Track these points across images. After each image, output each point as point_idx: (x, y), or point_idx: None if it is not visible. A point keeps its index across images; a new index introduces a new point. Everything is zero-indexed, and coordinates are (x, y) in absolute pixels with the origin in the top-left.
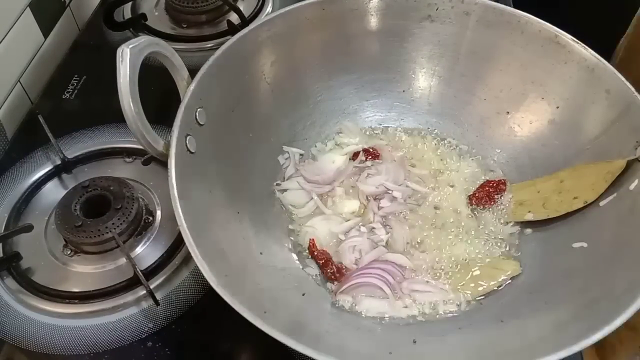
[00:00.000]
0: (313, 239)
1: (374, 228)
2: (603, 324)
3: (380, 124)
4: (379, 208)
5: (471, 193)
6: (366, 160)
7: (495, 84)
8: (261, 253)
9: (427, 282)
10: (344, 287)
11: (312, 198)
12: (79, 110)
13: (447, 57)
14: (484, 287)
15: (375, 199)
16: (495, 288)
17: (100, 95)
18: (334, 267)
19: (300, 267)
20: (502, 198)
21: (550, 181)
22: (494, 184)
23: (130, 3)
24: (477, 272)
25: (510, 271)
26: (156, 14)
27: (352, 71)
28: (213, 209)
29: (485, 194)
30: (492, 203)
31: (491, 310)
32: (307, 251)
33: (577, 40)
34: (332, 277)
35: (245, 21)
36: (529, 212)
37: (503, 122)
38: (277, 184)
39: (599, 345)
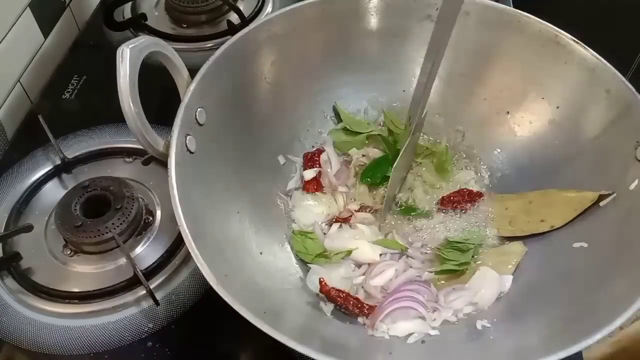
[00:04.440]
0: (322, 280)
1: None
2: (603, 324)
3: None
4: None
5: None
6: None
7: (495, 84)
8: (261, 253)
9: (453, 288)
10: (380, 317)
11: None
12: (79, 110)
13: (447, 57)
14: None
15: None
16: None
17: (100, 95)
18: (356, 301)
19: (300, 273)
20: (476, 207)
21: (518, 200)
22: (470, 194)
23: (130, 3)
24: (490, 265)
25: (519, 251)
26: (156, 13)
27: (352, 71)
28: (213, 209)
29: (456, 199)
30: (458, 208)
31: (491, 310)
32: (320, 294)
33: (577, 40)
34: (359, 312)
35: (245, 21)
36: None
37: (503, 122)
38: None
39: None
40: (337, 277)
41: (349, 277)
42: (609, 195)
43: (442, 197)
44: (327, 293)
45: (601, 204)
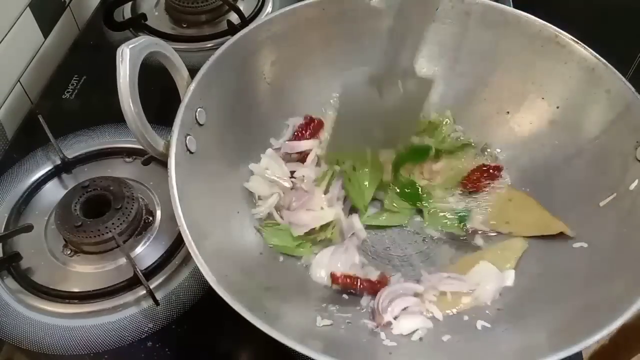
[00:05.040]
0: (332, 273)
1: None
2: (603, 324)
3: None
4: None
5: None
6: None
7: (495, 84)
8: (261, 253)
9: (449, 276)
10: (385, 317)
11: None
12: (79, 110)
13: (447, 57)
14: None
15: None
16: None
17: (100, 95)
18: (367, 283)
19: (301, 273)
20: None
21: (503, 193)
22: (488, 169)
23: (130, 3)
24: (489, 260)
25: (520, 247)
26: (156, 13)
27: (352, 71)
28: (213, 209)
29: (476, 178)
30: (478, 189)
31: (491, 311)
32: (332, 285)
33: (577, 40)
34: (371, 291)
35: (245, 21)
36: None
37: (503, 122)
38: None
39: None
40: (341, 263)
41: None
42: (570, 236)
43: (463, 179)
44: (342, 284)
45: (601, 204)
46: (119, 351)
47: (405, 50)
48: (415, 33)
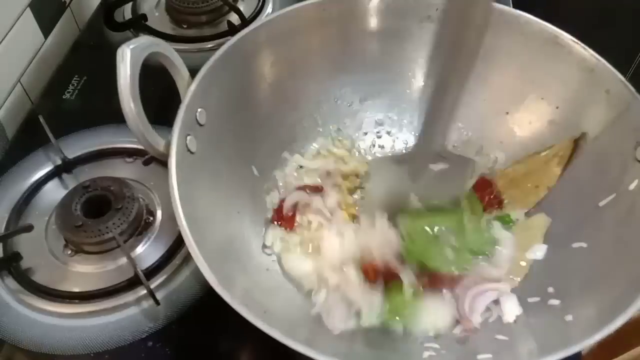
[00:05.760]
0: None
1: None
2: (603, 324)
3: (381, 125)
4: None
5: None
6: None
7: (495, 84)
8: (261, 253)
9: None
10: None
11: None
12: (80, 110)
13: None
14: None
15: None
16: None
17: (101, 96)
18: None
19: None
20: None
21: (501, 179)
22: (486, 186)
23: (130, 3)
24: (518, 241)
25: (543, 223)
26: (156, 14)
27: (352, 71)
28: (213, 209)
29: (490, 198)
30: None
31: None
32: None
33: (577, 41)
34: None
35: (245, 22)
36: None
37: (503, 123)
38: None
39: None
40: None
41: None
42: (585, 136)
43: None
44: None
45: (601, 204)
46: (120, 351)
47: (436, 124)
48: (450, 96)
